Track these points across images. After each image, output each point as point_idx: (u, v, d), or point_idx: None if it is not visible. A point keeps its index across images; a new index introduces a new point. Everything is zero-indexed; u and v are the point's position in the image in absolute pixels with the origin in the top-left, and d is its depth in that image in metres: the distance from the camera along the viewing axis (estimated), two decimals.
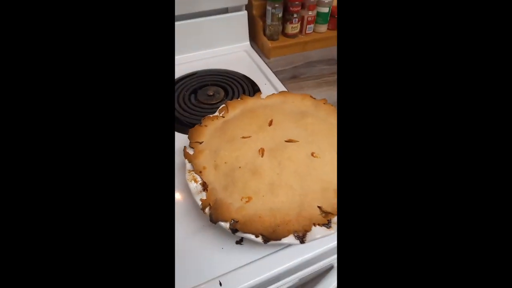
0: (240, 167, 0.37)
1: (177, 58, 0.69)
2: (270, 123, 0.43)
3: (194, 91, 0.62)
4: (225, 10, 0.72)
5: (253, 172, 0.36)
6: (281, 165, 0.37)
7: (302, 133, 0.41)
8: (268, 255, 0.36)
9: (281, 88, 0.64)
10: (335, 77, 0.71)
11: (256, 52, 0.75)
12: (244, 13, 0.73)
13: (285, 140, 0.40)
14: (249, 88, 0.63)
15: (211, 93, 0.60)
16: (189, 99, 0.59)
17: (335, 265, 0.44)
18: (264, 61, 0.72)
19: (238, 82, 0.64)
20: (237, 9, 0.72)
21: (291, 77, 0.70)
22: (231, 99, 0.59)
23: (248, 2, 0.72)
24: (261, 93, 0.50)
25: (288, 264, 0.35)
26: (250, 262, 0.35)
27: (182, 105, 0.58)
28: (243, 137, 0.41)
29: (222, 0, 0.68)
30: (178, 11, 0.64)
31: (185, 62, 0.69)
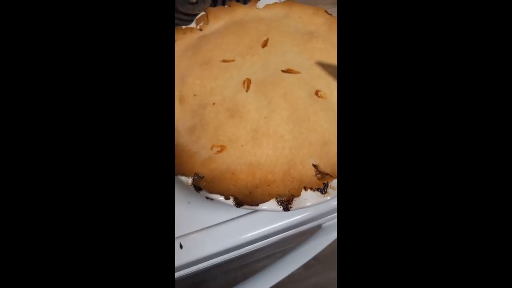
0: (214, 104, 0.27)
1: None
2: (264, 44, 0.31)
3: None
4: None
5: (231, 112, 0.26)
6: (272, 104, 0.27)
7: (306, 62, 0.29)
8: (243, 215, 0.29)
9: None
10: None
11: None
12: None
13: (282, 69, 0.29)
14: None
15: (194, 0, 0.45)
16: None
17: (324, 224, 0.38)
18: None
19: None
20: None
21: None
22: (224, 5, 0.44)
23: None
24: (258, 0, 0.36)
25: (266, 229, 0.29)
26: (221, 223, 0.29)
27: None
28: (224, 61, 0.30)
29: None
30: None
31: None
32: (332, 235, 0.39)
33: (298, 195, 0.24)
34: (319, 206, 0.27)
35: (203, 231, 0.28)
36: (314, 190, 0.24)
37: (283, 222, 0.29)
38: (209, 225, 0.28)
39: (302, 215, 0.30)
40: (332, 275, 0.80)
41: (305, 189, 0.24)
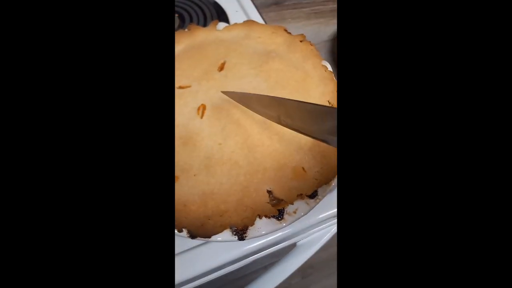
0: None
1: None
2: (221, 67, 0.31)
3: None
4: None
5: (184, 139, 0.26)
6: (226, 130, 0.26)
7: (262, 84, 0.29)
8: (199, 245, 0.28)
9: (257, 18, 0.49)
10: (330, 5, 0.55)
11: None
12: None
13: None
14: (214, 16, 0.47)
15: None
16: None
17: (299, 243, 0.37)
18: None
19: (200, 8, 0.48)
20: None
21: (273, 3, 0.54)
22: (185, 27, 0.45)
23: None
24: (217, 22, 0.37)
25: (223, 258, 0.28)
26: (183, 252, 0.28)
27: None
28: (180, 87, 0.29)
29: None
30: None
31: None
32: (308, 252, 0.38)
33: (252, 224, 0.23)
34: (294, 224, 0.27)
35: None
36: (269, 217, 0.24)
37: (246, 248, 0.29)
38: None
39: (261, 241, 0.29)
40: (329, 282, 0.79)
41: (260, 217, 0.24)
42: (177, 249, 0.28)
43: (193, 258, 0.28)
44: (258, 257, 0.33)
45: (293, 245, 0.38)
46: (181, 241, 0.27)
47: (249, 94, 0.26)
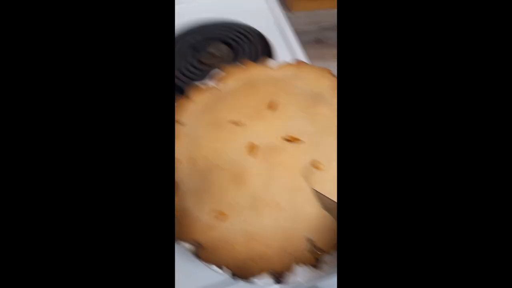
0: (218, 166, 0.28)
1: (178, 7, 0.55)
2: (270, 106, 0.32)
3: (195, 47, 0.49)
4: None
5: (234, 176, 0.27)
6: (272, 172, 0.27)
7: (308, 129, 0.30)
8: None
9: (299, 54, 0.51)
10: None
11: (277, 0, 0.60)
12: None
13: (284, 137, 0.30)
14: (259, 48, 0.50)
15: (214, 51, 0.48)
16: (186, 57, 0.47)
17: (320, 285, 0.37)
18: (285, 15, 0.57)
19: (249, 40, 0.51)
20: None
21: (315, 41, 0.56)
22: (238, 61, 0.47)
23: None
24: (268, 59, 0.39)
25: None
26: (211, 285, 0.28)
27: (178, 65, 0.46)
28: (232, 122, 0.31)
29: None
30: None
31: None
32: None
33: (291, 270, 0.24)
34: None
35: None
36: (306, 265, 0.24)
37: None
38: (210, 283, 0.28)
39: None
40: None
41: (298, 264, 0.24)
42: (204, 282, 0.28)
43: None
44: None
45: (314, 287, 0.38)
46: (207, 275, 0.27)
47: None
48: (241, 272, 0.23)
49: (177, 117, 0.32)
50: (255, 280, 0.23)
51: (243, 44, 0.50)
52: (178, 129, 0.31)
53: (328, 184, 0.27)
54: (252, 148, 0.29)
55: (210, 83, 0.36)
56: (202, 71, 0.44)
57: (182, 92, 0.40)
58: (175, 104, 0.33)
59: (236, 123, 0.31)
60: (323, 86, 0.36)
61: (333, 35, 0.57)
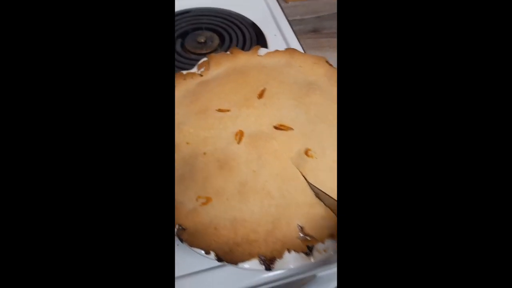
0: (205, 153, 0.27)
1: None
2: (261, 95, 0.32)
3: (183, 35, 0.49)
4: None
5: (221, 163, 0.27)
6: (262, 159, 0.27)
7: (300, 117, 0.30)
8: (215, 267, 0.28)
9: (295, 44, 0.50)
10: None
11: None
12: None
13: (275, 125, 0.29)
14: (253, 38, 0.49)
15: (202, 40, 0.47)
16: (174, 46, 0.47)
17: (319, 275, 0.36)
18: (280, 5, 0.56)
19: (240, 29, 0.50)
20: None
21: (311, 31, 0.55)
22: (228, 50, 0.46)
23: None
24: (259, 47, 0.38)
25: (241, 284, 0.27)
26: (202, 271, 0.28)
27: None
28: (220, 110, 0.30)
29: None
30: None
31: None
32: (327, 286, 0.37)
33: (280, 257, 0.23)
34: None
35: (190, 277, 0.27)
36: (298, 252, 0.24)
37: (264, 276, 0.28)
38: (187, 272, 0.27)
39: (288, 272, 0.29)
40: None
41: (289, 250, 0.23)
42: (194, 268, 0.28)
43: (209, 280, 0.27)
44: (276, 285, 0.33)
45: (313, 276, 0.37)
46: (199, 260, 0.27)
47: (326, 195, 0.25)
48: (227, 256, 0.23)
49: None
50: (244, 265, 0.23)
51: (231, 31, 0.49)
52: None
53: (322, 173, 0.26)
54: (241, 136, 0.28)
55: (197, 71, 0.35)
56: (189, 60, 0.44)
57: None
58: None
59: (223, 111, 0.30)
60: (318, 74, 0.35)
61: (330, 25, 0.56)
